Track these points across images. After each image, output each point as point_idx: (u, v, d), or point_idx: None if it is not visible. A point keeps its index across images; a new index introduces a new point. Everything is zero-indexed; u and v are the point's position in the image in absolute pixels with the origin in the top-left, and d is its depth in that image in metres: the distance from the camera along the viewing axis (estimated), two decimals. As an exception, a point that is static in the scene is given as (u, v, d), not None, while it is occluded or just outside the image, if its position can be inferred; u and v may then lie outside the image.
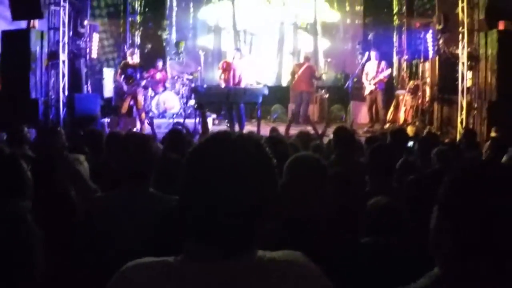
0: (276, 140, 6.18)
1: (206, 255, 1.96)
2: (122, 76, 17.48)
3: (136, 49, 20.81)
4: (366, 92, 19.43)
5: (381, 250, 3.80)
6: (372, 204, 4.32)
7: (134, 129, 16.98)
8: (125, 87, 17.41)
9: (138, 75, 17.64)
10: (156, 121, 16.92)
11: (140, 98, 18.11)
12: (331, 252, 3.38)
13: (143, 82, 17.90)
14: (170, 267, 1.98)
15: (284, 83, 24.03)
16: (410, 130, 16.39)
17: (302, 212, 3.54)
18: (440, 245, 2.01)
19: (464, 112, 16.82)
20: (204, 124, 16.03)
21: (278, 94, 22.38)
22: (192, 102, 18.61)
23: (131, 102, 17.79)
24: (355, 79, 20.29)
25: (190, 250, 1.99)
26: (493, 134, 12.13)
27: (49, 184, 4.84)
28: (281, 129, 14.51)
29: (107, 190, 4.84)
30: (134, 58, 17.93)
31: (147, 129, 17.21)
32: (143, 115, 18.05)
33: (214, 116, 20.48)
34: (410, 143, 9.32)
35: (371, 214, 4.26)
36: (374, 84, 18.99)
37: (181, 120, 17.66)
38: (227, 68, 17.97)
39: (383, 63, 19.22)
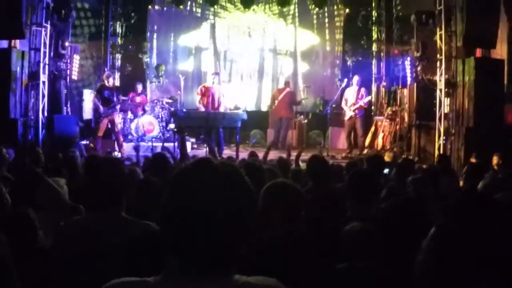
0: (253, 166, 6.20)
1: (184, 275, 2.02)
2: (98, 98, 17.48)
3: (116, 71, 20.91)
4: (346, 117, 19.52)
5: (357, 275, 3.83)
6: (348, 229, 4.37)
7: (115, 153, 16.98)
8: (101, 109, 17.35)
9: (115, 98, 17.65)
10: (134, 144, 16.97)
11: (117, 120, 18.11)
12: (307, 278, 3.42)
13: (118, 106, 17.90)
14: (149, 286, 2.03)
15: (264, 108, 24.08)
16: (387, 156, 16.47)
17: (278, 238, 3.57)
18: (427, 272, 2.08)
19: (441, 138, 16.96)
20: (183, 148, 16.06)
21: (258, 119, 22.47)
22: (172, 125, 18.62)
23: (109, 125, 17.75)
24: (333, 105, 20.37)
25: (168, 270, 2.06)
26: (472, 160, 12.27)
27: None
28: (260, 154, 14.59)
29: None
30: (110, 81, 17.95)
31: (126, 152, 17.21)
32: (121, 138, 18.03)
33: (193, 140, 20.48)
34: (386, 170, 9.39)
35: (347, 239, 4.31)
36: (354, 110, 19.10)
37: (160, 144, 17.71)
38: (205, 93, 17.99)
39: (362, 90, 19.34)
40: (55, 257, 4.08)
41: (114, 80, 19.73)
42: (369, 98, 19.43)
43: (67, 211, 5.38)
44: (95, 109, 17.93)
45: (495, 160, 11.32)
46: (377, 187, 5.65)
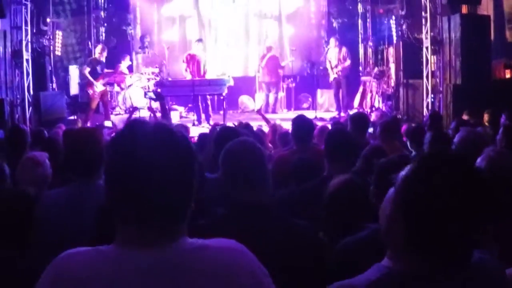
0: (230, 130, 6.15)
1: (136, 241, 1.98)
2: (91, 74, 17.33)
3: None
4: (331, 79, 19.52)
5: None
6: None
7: (105, 122, 16.92)
8: (97, 84, 17.21)
9: (104, 71, 17.59)
10: (122, 117, 16.92)
11: (106, 93, 18.06)
12: (282, 237, 3.37)
13: (107, 78, 17.78)
14: (101, 254, 2.00)
15: (251, 74, 23.94)
16: (375, 115, 16.51)
17: (248, 197, 3.48)
18: (392, 234, 2.04)
19: (429, 95, 16.95)
20: (164, 113, 16.02)
21: (245, 84, 22.36)
22: (150, 94, 18.57)
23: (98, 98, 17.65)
24: (321, 67, 20.36)
25: (120, 237, 2.02)
26: (464, 117, 12.25)
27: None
28: (247, 120, 14.52)
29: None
30: (104, 55, 17.81)
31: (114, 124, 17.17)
32: (108, 110, 17.94)
33: (181, 109, 20.47)
34: (371, 129, 9.38)
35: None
36: (336, 73, 19.06)
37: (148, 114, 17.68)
38: (191, 60, 17.93)
39: (344, 50, 19.27)
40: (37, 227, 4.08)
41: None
42: (348, 62, 19.26)
43: (47, 184, 5.37)
44: (89, 84, 17.62)
45: (486, 117, 11.33)
46: (355, 147, 5.57)
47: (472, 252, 2.04)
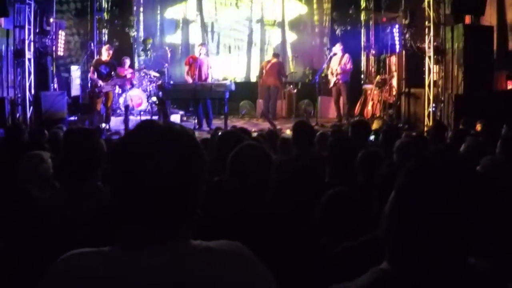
0: (232, 134, 6.13)
1: (140, 244, 1.95)
2: (94, 73, 17.34)
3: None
4: (331, 85, 19.47)
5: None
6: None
7: (102, 125, 16.92)
8: (102, 85, 17.19)
9: (112, 72, 17.55)
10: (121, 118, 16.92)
11: (111, 95, 18.00)
12: (282, 242, 3.36)
13: (112, 81, 17.75)
14: (104, 256, 1.97)
15: (253, 79, 23.95)
16: (377, 123, 16.48)
17: (248, 203, 3.48)
18: (392, 240, 2.03)
19: (431, 105, 16.94)
20: (165, 119, 16.00)
21: (247, 90, 22.40)
22: (154, 98, 18.55)
23: (103, 99, 17.62)
24: (322, 74, 20.33)
25: (123, 238, 1.99)
26: (462, 126, 12.27)
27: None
28: (248, 125, 14.50)
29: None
30: (110, 54, 17.76)
31: (114, 125, 17.18)
32: (109, 112, 17.92)
33: (182, 112, 20.44)
34: (372, 137, 9.35)
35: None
36: (336, 75, 19.01)
37: (148, 117, 17.61)
38: (193, 64, 17.89)
39: (346, 57, 19.14)
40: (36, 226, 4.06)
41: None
42: (349, 65, 19.18)
43: (49, 183, 5.38)
44: (93, 85, 17.64)
45: (478, 127, 11.34)
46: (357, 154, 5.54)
47: (466, 256, 2.01)
